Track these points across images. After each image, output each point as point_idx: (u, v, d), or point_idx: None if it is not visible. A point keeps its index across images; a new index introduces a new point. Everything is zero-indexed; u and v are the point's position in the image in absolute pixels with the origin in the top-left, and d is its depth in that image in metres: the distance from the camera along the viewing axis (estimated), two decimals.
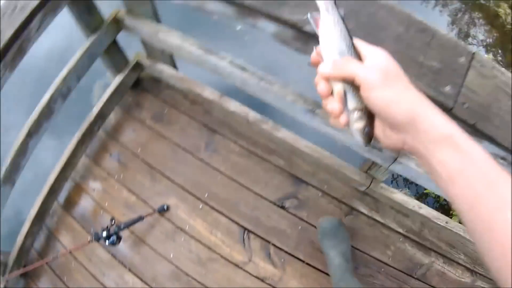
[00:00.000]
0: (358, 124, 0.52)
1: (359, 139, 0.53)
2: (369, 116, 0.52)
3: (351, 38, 0.53)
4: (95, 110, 1.99)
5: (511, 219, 0.38)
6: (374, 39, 0.81)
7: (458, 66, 0.97)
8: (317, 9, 0.54)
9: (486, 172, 0.43)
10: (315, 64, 0.55)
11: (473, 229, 0.43)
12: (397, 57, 0.52)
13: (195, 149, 2.07)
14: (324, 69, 0.52)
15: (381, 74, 0.48)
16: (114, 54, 1.89)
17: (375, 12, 0.99)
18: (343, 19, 0.53)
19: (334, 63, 0.51)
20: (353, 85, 0.50)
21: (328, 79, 0.53)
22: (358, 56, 0.52)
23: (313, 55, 0.56)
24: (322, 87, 0.53)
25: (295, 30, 1.05)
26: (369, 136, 0.53)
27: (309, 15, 0.55)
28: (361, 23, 0.99)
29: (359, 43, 0.54)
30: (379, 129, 0.52)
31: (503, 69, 0.96)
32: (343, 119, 0.53)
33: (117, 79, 2.05)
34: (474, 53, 0.97)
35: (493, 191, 0.41)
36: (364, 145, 0.53)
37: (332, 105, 0.53)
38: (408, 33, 0.99)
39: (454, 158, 0.44)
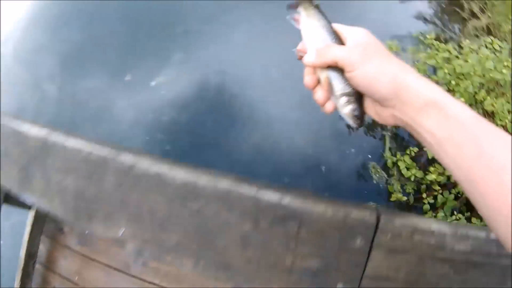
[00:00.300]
0: (347, 108, 0.53)
1: (350, 122, 0.55)
2: (358, 98, 0.53)
3: (331, 26, 0.54)
4: (22, 252, 1.93)
5: (504, 183, 0.38)
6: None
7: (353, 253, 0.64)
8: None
9: (476, 136, 0.42)
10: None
11: (470, 193, 0.43)
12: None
13: (125, 266, 1.91)
14: (308, 59, 0.53)
15: (360, 52, 0.49)
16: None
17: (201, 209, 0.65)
18: (321, 11, 0.55)
19: (317, 52, 0.52)
20: (338, 70, 0.51)
21: (314, 69, 0.54)
22: (340, 41, 0.52)
23: (299, 53, 0.57)
24: (307, 79, 0.55)
25: None
26: (359, 118, 0.54)
27: (288, 16, 0.58)
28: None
29: (340, 27, 0.54)
30: (371, 108, 0.54)
31: None
32: (329, 106, 0.55)
33: (31, 213, 1.95)
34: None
35: (483, 157, 0.40)
36: (357, 128, 0.56)
37: (318, 94, 0.54)
38: (260, 230, 0.67)
39: (440, 125, 0.44)
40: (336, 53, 0.49)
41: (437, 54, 2.87)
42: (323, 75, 0.52)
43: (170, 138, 3.18)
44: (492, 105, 2.62)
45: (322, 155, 3.19)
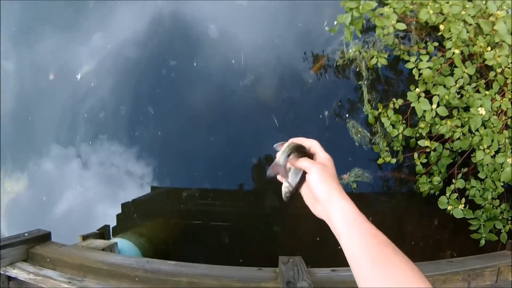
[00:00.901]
0: (284, 189, 0.82)
1: (283, 194, 0.82)
2: (294, 192, 0.82)
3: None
4: None
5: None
6: None
7: None
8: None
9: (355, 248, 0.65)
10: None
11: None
12: None
13: None
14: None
15: (323, 174, 0.74)
16: None
17: None
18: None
19: (292, 159, 0.80)
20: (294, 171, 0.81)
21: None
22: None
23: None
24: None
25: None
26: (287, 199, 0.82)
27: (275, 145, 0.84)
28: None
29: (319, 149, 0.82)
30: (309, 201, 0.80)
31: None
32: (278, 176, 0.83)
33: None
34: None
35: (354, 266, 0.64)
36: (283, 199, 0.83)
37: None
38: None
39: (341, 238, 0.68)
40: (307, 165, 0.78)
41: None
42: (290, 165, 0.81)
43: None
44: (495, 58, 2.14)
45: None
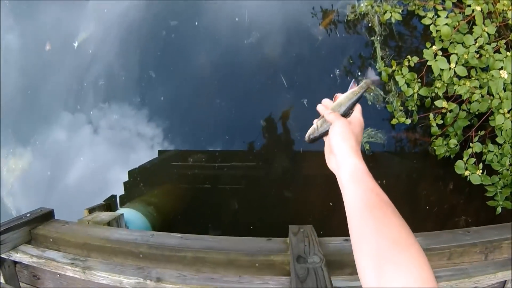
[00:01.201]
0: (310, 130, 0.87)
1: (307, 134, 0.88)
2: (319, 136, 0.86)
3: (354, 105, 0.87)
4: None
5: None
6: None
7: None
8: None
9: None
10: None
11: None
12: None
13: None
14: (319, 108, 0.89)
15: (345, 129, 0.78)
16: None
17: None
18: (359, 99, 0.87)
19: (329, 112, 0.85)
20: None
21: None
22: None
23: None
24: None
25: None
26: (310, 140, 0.88)
27: (353, 80, 0.90)
28: None
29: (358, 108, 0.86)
30: (327, 151, 0.83)
31: None
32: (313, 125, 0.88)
33: None
34: None
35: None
36: (305, 138, 0.88)
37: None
38: None
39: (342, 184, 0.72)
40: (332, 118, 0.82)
41: None
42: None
43: None
44: None
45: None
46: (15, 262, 1.85)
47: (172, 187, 2.95)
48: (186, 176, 2.89)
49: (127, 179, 2.96)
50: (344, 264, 1.46)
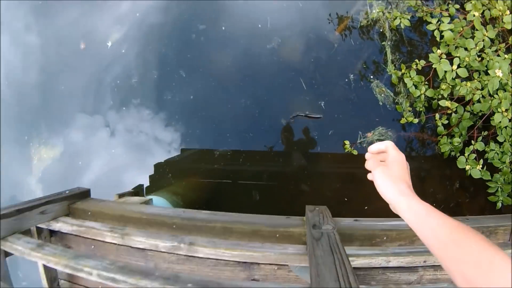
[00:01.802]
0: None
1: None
2: None
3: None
4: None
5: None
6: None
7: None
8: None
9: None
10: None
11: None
12: None
13: None
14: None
15: (384, 177, 0.82)
16: None
17: None
18: None
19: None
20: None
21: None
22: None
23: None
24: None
25: None
26: None
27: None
28: None
29: (392, 148, 0.86)
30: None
31: None
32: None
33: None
34: None
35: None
36: None
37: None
38: None
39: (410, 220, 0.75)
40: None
41: None
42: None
43: None
44: None
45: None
46: (51, 234, 2.05)
47: (196, 181, 3.19)
48: (210, 171, 3.13)
49: (151, 173, 3.23)
50: (353, 237, 1.69)
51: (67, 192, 2.20)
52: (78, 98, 3.40)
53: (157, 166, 3.22)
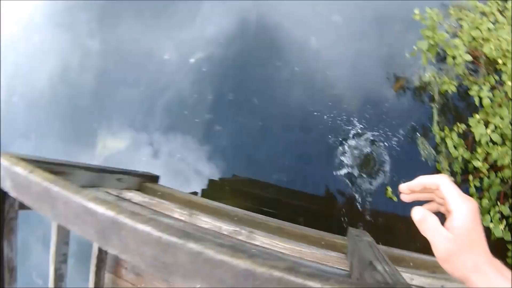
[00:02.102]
0: None
1: None
2: None
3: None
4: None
5: None
6: None
7: None
8: None
9: None
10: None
11: None
12: None
13: None
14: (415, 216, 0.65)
15: (459, 243, 0.59)
16: None
17: None
18: None
19: (423, 217, 0.63)
20: None
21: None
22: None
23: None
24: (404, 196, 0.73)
25: None
26: None
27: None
28: None
29: (451, 192, 0.64)
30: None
31: None
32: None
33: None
34: None
35: None
36: None
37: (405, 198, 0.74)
38: None
39: None
40: (430, 235, 0.62)
41: (481, 23, 2.74)
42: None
43: None
44: None
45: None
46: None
47: (242, 202, 3.42)
48: (256, 198, 3.42)
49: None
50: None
51: (140, 171, 2.50)
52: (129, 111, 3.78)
53: (210, 182, 3.54)
